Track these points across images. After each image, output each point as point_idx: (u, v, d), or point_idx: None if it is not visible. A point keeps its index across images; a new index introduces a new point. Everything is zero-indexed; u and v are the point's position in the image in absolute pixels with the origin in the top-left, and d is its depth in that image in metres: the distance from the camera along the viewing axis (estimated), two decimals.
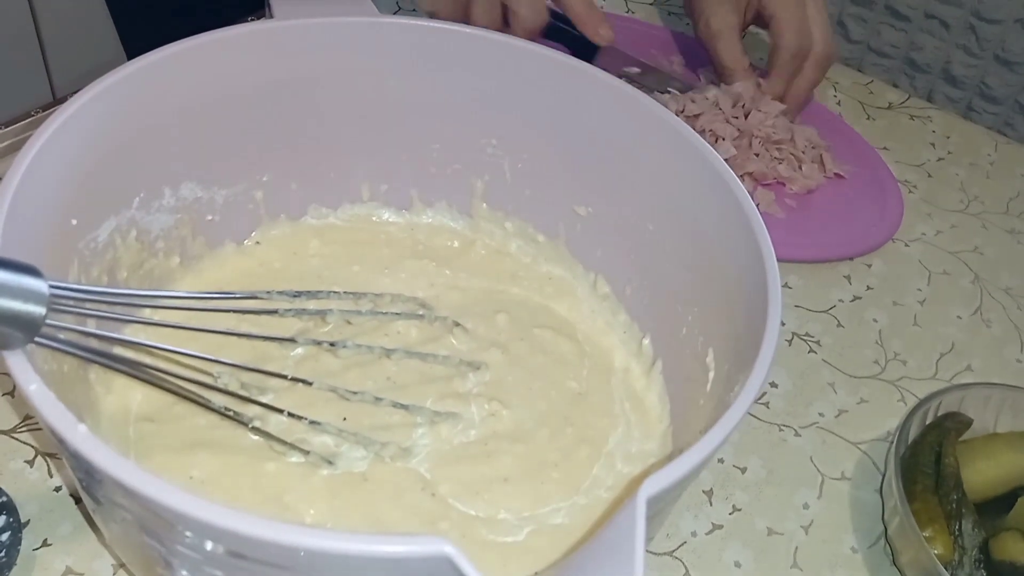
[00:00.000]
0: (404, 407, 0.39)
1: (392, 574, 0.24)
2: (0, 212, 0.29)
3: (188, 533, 0.25)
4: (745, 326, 0.35)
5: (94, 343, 0.28)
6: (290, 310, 0.38)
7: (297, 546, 0.23)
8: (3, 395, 0.45)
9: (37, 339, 0.26)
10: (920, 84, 0.90)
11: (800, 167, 0.63)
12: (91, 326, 0.32)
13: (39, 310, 0.26)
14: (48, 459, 0.43)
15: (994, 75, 0.86)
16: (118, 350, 0.29)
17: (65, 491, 0.42)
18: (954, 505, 0.43)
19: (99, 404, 0.37)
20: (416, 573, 0.24)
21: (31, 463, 0.43)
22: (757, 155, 0.62)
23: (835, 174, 0.64)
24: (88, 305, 0.27)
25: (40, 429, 0.44)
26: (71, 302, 0.27)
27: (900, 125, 0.74)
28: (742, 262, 0.36)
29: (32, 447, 0.43)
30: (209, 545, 0.25)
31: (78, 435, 0.24)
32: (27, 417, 0.44)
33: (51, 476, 0.42)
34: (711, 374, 0.38)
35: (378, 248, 0.48)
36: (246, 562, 0.25)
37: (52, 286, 0.26)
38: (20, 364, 0.26)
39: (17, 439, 0.43)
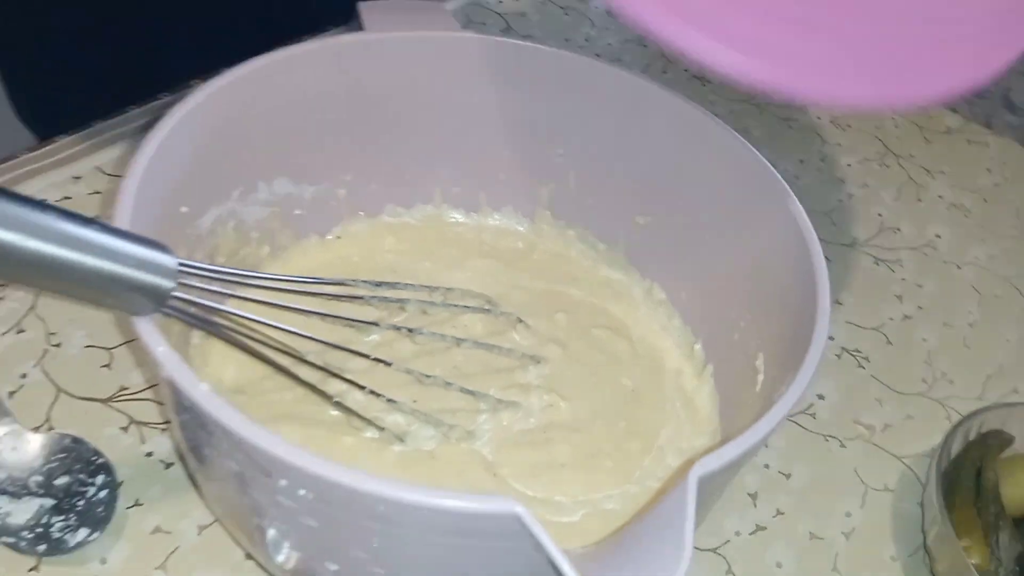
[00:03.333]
0: (471, 393, 0.42)
1: (466, 528, 0.27)
2: (130, 195, 0.32)
3: (302, 491, 0.27)
4: (795, 334, 0.37)
5: (209, 315, 0.31)
6: (373, 297, 0.41)
7: (388, 497, 0.26)
8: (101, 367, 0.49)
9: (163, 309, 0.30)
10: (979, 109, 0.90)
11: None
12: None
13: (169, 283, 0.29)
14: (140, 427, 0.47)
15: None
16: (226, 323, 0.33)
17: (155, 457, 0.45)
18: (992, 518, 0.44)
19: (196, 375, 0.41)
20: (488, 529, 0.27)
21: (125, 430, 0.46)
22: None
23: None
24: (209, 282, 0.31)
25: (134, 400, 0.47)
26: (195, 278, 0.30)
27: (957, 150, 0.75)
28: (795, 275, 0.38)
29: (127, 415, 0.47)
30: (304, 492, 0.28)
31: (200, 392, 0.27)
32: (122, 388, 0.48)
33: (143, 443, 0.46)
34: (760, 376, 0.40)
35: (448, 247, 0.51)
36: (330, 509, 0.28)
37: (180, 263, 0.30)
38: (149, 329, 0.29)
39: (113, 407, 0.47)
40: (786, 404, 0.31)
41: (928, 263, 0.65)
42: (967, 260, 0.66)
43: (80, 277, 0.27)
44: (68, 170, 0.58)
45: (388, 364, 0.39)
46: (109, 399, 0.48)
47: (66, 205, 0.56)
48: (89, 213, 0.54)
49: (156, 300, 0.29)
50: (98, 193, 0.57)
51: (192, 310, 0.30)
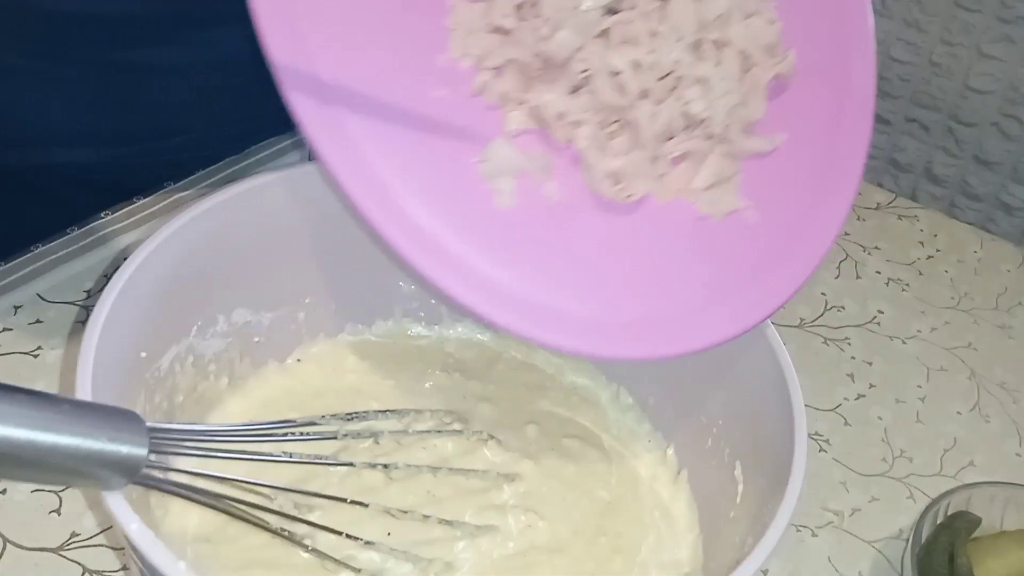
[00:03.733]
0: (448, 523, 0.41)
1: None
2: (89, 357, 0.31)
3: None
4: (771, 442, 0.37)
5: (177, 477, 0.30)
6: (347, 434, 0.40)
7: None
8: (50, 513, 0.46)
9: (135, 480, 0.28)
10: (904, 183, 0.95)
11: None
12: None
13: (142, 452, 0.28)
14: None
15: (974, 174, 0.91)
16: (198, 483, 0.31)
17: None
18: None
19: (159, 526, 0.39)
20: None
21: None
22: None
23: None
24: (184, 444, 0.30)
25: (86, 546, 0.45)
26: (167, 444, 0.29)
27: (888, 224, 0.78)
28: (765, 383, 0.39)
29: (80, 565, 0.44)
30: None
31: (179, 572, 0.26)
32: (73, 534, 0.46)
33: None
34: (740, 487, 0.40)
35: (411, 362, 0.50)
36: None
37: (151, 428, 0.28)
38: (120, 505, 0.28)
39: (65, 556, 0.45)
40: (778, 528, 0.31)
41: (874, 340, 0.67)
42: (910, 334, 0.67)
43: (54, 461, 0.26)
44: (7, 299, 0.56)
45: (365, 506, 0.38)
46: (60, 547, 0.45)
47: (6, 337, 0.54)
48: (32, 344, 0.53)
49: (129, 473, 0.28)
50: (40, 322, 0.55)
51: (162, 475, 0.29)
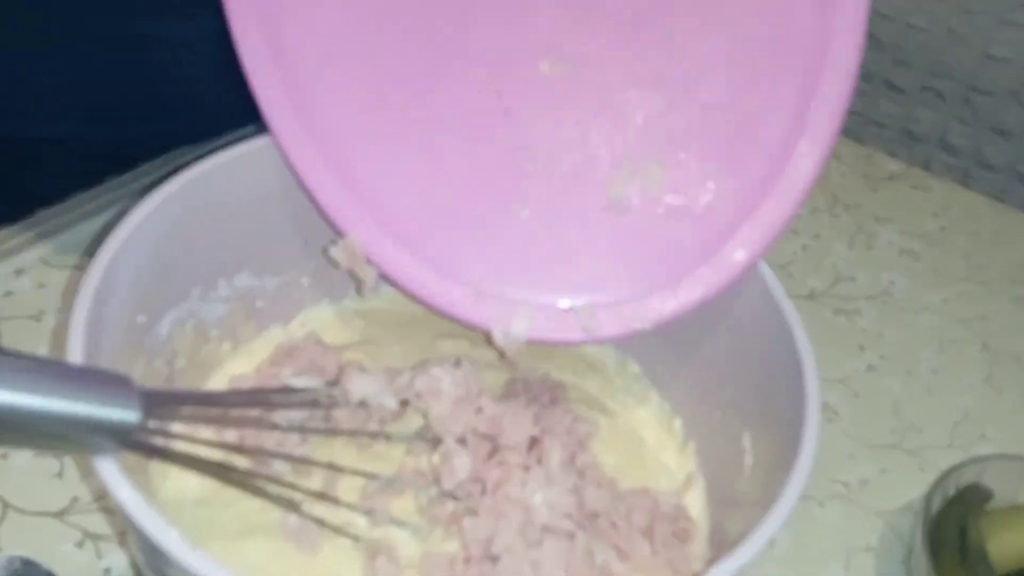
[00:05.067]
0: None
1: None
2: (81, 320, 0.30)
3: None
4: (782, 414, 0.37)
5: (174, 443, 0.29)
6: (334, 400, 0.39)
7: None
8: (51, 477, 0.46)
9: (126, 446, 0.28)
10: (918, 153, 0.93)
11: None
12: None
13: (133, 418, 0.27)
14: (96, 541, 0.44)
15: (990, 144, 0.90)
16: (196, 449, 0.31)
17: (114, 574, 0.43)
18: None
19: (158, 491, 0.39)
20: None
21: (80, 546, 0.44)
22: None
23: None
24: (178, 410, 0.29)
25: (88, 511, 0.45)
26: (159, 408, 0.28)
27: (902, 195, 0.76)
28: (777, 353, 0.38)
29: (81, 529, 0.44)
30: None
31: (172, 541, 0.25)
32: (74, 499, 0.45)
33: (99, 559, 0.43)
34: (748, 457, 0.39)
35: (417, 329, 0.49)
36: None
37: (145, 393, 0.28)
38: (111, 470, 0.27)
39: (66, 522, 0.44)
40: (789, 500, 0.30)
41: (886, 311, 0.66)
42: (923, 306, 0.66)
43: (39, 425, 0.25)
44: (10, 263, 0.55)
45: (365, 474, 0.37)
46: (61, 512, 0.45)
47: (9, 301, 0.53)
48: (36, 309, 0.53)
49: (120, 439, 0.27)
50: (43, 287, 0.54)
51: (156, 441, 0.28)
